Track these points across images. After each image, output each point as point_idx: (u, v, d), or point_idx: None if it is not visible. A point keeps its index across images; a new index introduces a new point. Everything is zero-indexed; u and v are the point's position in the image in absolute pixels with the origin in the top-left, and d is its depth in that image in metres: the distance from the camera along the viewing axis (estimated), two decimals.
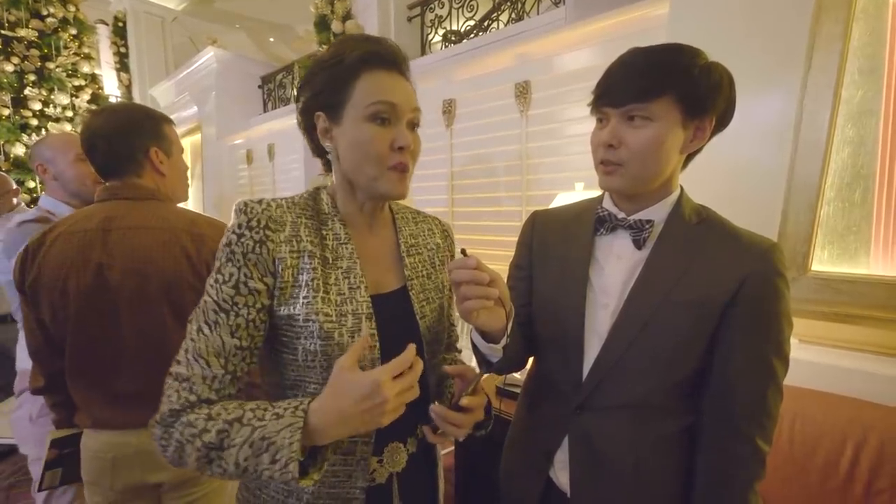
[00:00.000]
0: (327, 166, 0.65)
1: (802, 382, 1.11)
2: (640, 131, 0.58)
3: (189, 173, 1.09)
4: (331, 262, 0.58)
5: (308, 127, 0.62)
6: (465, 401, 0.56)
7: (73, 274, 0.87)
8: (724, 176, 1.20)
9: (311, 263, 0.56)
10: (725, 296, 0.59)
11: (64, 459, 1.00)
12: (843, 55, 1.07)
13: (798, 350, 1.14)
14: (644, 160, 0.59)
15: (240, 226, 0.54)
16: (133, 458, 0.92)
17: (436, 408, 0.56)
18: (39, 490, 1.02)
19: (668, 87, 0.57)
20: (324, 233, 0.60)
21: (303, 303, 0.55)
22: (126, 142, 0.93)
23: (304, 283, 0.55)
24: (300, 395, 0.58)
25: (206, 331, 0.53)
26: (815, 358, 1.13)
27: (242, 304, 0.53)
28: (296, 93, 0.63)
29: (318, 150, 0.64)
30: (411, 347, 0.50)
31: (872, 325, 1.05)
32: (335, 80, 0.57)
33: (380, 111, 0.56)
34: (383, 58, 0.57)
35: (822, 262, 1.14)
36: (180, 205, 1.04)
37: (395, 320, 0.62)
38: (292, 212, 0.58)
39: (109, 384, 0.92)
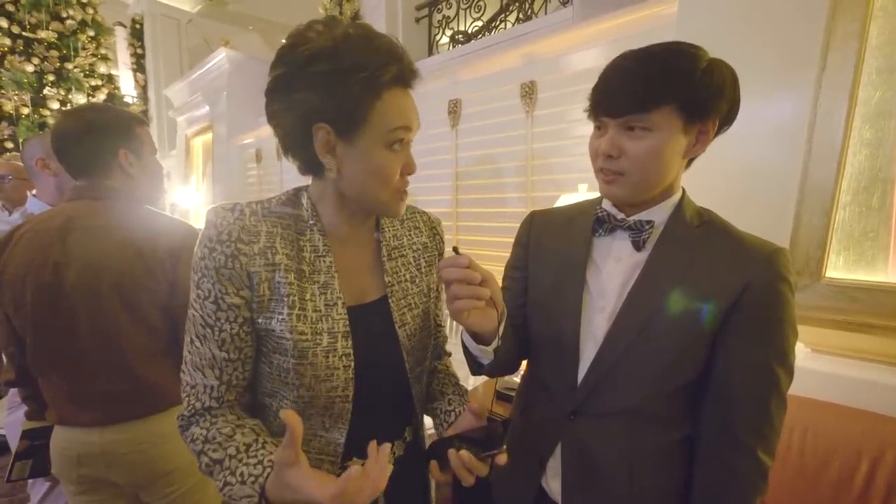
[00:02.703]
0: (304, 169, 0.59)
1: (814, 393, 1.07)
2: (640, 141, 0.56)
3: (164, 174, 1.09)
4: (307, 275, 0.56)
5: (297, 132, 0.53)
6: (502, 458, 0.53)
7: (33, 272, 0.88)
8: (734, 178, 1.17)
9: (286, 278, 0.54)
10: (727, 301, 0.57)
11: (35, 451, 1.00)
12: (860, 54, 1.03)
13: (810, 360, 1.10)
14: (645, 170, 0.57)
15: (210, 239, 0.52)
16: (98, 457, 0.92)
17: (464, 455, 0.52)
18: (8, 481, 1.03)
19: (669, 97, 0.54)
20: (301, 243, 0.57)
21: (278, 319, 0.53)
22: (94, 143, 0.93)
23: (280, 298, 0.54)
24: (276, 405, 0.58)
25: (198, 344, 0.54)
26: (828, 368, 1.08)
27: (224, 319, 0.53)
28: (274, 81, 0.53)
29: (297, 152, 0.56)
30: (371, 452, 0.46)
31: (889, 335, 1.00)
32: (357, 98, 0.50)
33: (399, 138, 0.53)
34: (406, 78, 0.53)
35: (837, 269, 1.09)
36: (186, 207, 1.04)
37: (374, 333, 0.60)
38: (268, 220, 0.55)
39: (71, 382, 0.92)
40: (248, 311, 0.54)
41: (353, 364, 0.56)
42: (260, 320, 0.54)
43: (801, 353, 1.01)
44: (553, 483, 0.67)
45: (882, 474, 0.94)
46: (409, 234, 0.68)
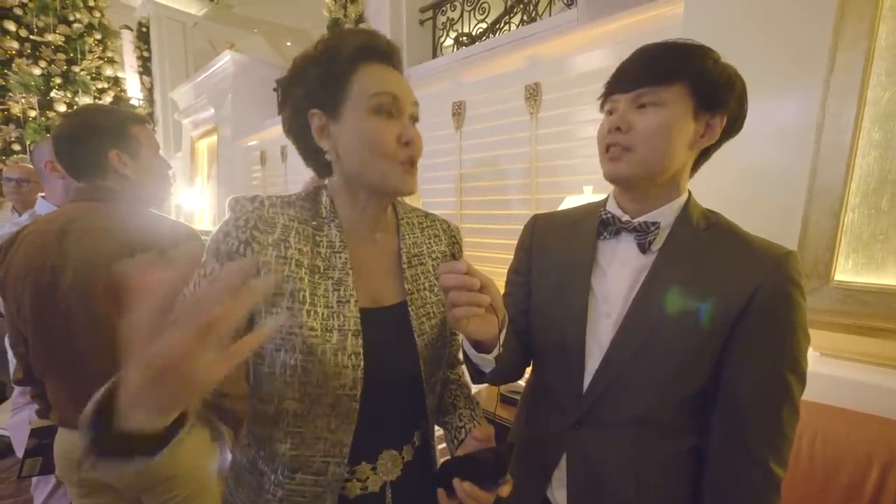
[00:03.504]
0: (320, 171, 0.62)
1: (823, 398, 1.05)
2: (650, 115, 0.57)
3: (175, 176, 1.08)
4: (321, 271, 0.55)
5: (299, 127, 0.58)
6: (506, 489, 0.53)
7: (32, 274, 0.88)
8: (741, 180, 1.16)
9: (297, 273, 0.53)
10: (736, 306, 0.56)
11: (44, 449, 1.01)
12: (868, 55, 1.02)
13: (819, 364, 1.09)
14: (652, 145, 0.57)
15: (227, 224, 0.53)
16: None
17: (466, 486, 0.52)
18: (19, 478, 1.05)
19: (682, 74, 0.56)
20: (317, 239, 0.57)
21: (286, 314, 0.53)
22: (84, 145, 0.93)
23: (288, 293, 0.53)
24: (273, 410, 0.56)
25: None
26: (837, 372, 1.07)
27: None
28: (280, 94, 0.60)
29: (310, 154, 0.61)
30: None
31: None
32: (331, 75, 0.54)
33: (383, 103, 0.54)
34: (379, 51, 0.56)
35: (846, 272, 1.08)
36: (195, 206, 1.03)
37: (390, 338, 0.59)
38: (285, 214, 0.56)
39: (70, 385, 0.92)
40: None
41: (362, 364, 0.55)
42: (263, 317, 0.53)
43: (810, 357, 0.99)
44: (558, 494, 0.66)
45: (893, 479, 0.92)
46: (429, 243, 0.68)
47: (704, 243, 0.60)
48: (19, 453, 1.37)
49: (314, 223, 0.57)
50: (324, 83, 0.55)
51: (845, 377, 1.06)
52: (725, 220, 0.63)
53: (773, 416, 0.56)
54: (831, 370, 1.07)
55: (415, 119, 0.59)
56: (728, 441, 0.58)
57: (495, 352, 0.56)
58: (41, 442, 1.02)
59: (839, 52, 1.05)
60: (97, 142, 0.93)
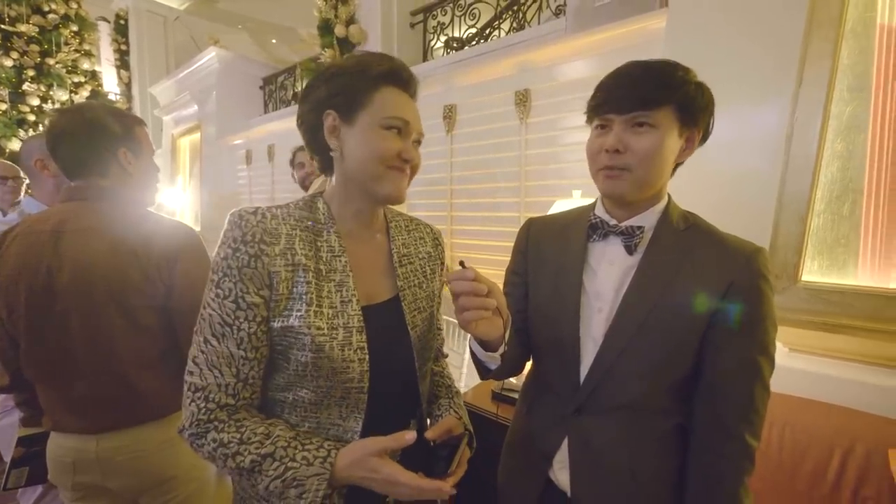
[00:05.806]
0: (324, 165, 0.66)
1: (792, 391, 1.13)
2: (645, 137, 0.61)
3: (160, 175, 1.08)
4: (324, 274, 0.59)
5: (313, 123, 0.63)
6: (450, 481, 0.57)
7: (25, 276, 0.87)
8: (718, 186, 1.23)
9: (305, 277, 0.57)
10: (713, 299, 0.61)
11: (31, 458, 0.98)
12: (832, 72, 1.10)
13: (788, 359, 1.16)
14: (648, 165, 0.62)
15: (235, 240, 0.55)
16: (94, 465, 0.91)
17: (417, 475, 0.57)
18: (4, 489, 1.00)
19: (670, 98, 0.61)
20: (318, 244, 0.61)
21: (296, 316, 0.56)
22: (93, 142, 0.91)
23: (298, 296, 0.57)
24: (292, 397, 0.60)
25: (214, 342, 0.55)
26: (804, 367, 1.15)
27: (243, 318, 0.55)
28: (303, 90, 0.65)
29: (316, 148, 0.65)
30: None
31: (861, 335, 1.07)
32: (356, 86, 0.60)
33: (394, 125, 0.60)
34: (403, 79, 0.62)
35: (812, 273, 1.16)
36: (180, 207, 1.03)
37: (386, 331, 0.64)
38: (287, 223, 0.59)
39: (64, 388, 0.90)
40: (266, 311, 0.56)
41: (367, 357, 0.59)
42: (276, 321, 0.56)
43: (780, 353, 1.06)
44: (560, 475, 0.71)
45: (853, 466, 1.00)
46: (416, 244, 0.73)
47: (684, 243, 0.65)
48: (6, 458, 1.33)
49: (314, 229, 0.61)
50: (347, 91, 0.60)
51: (812, 371, 1.14)
52: (702, 220, 0.69)
53: (747, 394, 0.62)
54: (800, 364, 1.15)
55: (418, 143, 0.65)
56: (708, 419, 0.64)
57: (501, 349, 0.61)
58: (29, 450, 0.98)
59: (807, 66, 1.13)
60: (105, 140, 0.92)
